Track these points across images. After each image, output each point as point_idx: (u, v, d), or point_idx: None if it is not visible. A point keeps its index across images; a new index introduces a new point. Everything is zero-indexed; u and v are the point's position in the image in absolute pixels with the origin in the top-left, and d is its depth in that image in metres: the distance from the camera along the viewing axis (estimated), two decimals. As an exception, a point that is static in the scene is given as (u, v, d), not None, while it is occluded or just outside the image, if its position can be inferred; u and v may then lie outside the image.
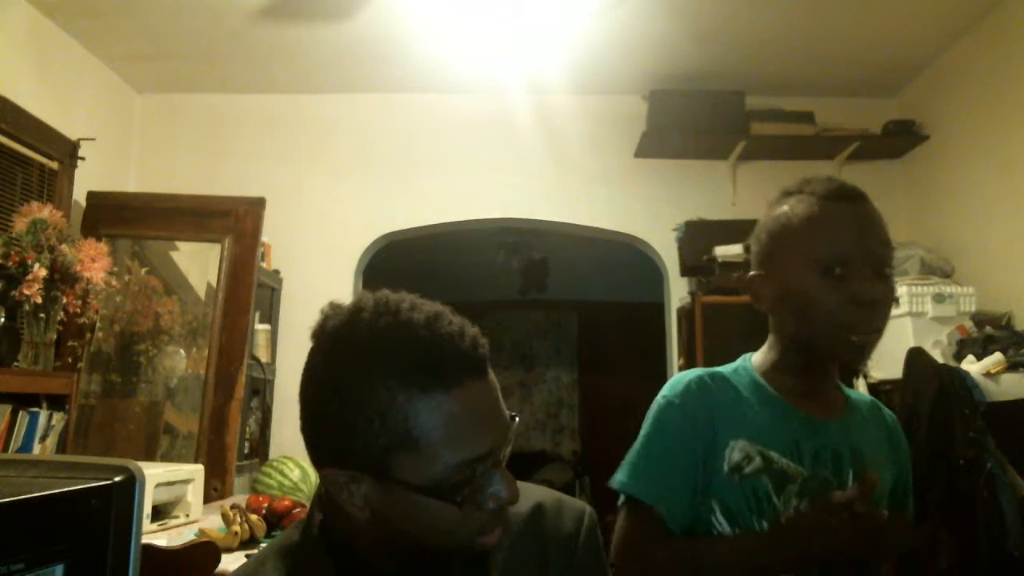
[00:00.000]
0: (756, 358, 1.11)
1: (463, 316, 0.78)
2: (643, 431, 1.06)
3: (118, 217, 2.97)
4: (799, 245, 1.01)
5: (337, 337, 0.74)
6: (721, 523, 1.00)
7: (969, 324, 2.45)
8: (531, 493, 0.89)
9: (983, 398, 2.04)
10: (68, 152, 2.87)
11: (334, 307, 0.77)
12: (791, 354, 1.06)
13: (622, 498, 1.05)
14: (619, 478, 1.04)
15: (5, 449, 2.09)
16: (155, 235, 3.01)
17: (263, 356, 3.11)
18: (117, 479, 0.61)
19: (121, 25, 2.91)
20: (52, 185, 2.81)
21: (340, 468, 0.74)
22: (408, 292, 0.78)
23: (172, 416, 2.88)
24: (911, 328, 2.43)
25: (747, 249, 1.11)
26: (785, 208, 1.05)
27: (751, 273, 1.08)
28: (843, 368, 1.06)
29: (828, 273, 0.98)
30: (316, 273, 3.34)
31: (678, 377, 1.09)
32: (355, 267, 3.42)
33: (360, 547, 0.80)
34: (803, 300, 1.00)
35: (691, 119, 3.25)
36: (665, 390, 1.08)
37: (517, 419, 0.78)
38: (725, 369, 1.10)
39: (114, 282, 2.55)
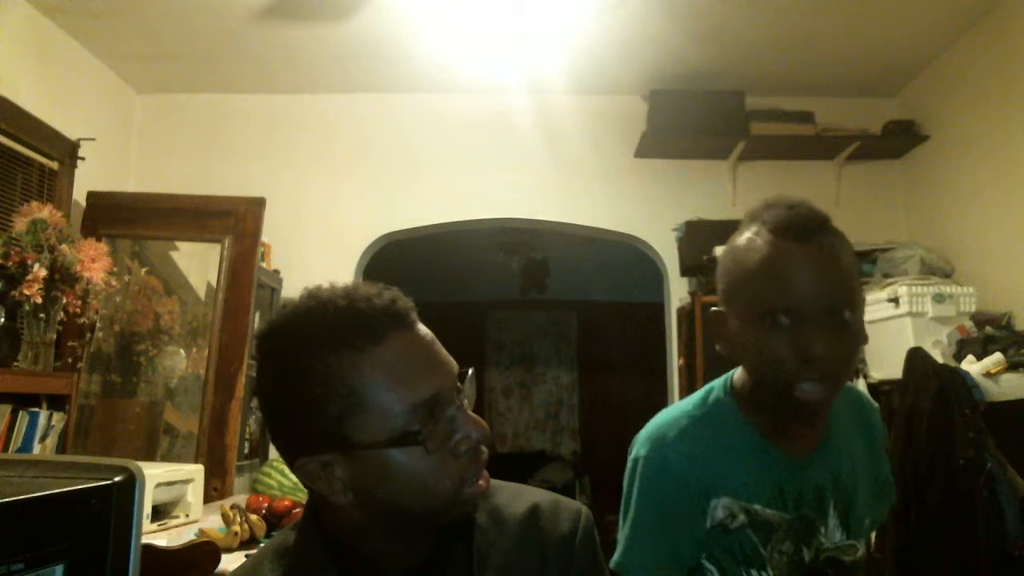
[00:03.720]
0: (737, 381, 1.04)
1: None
2: (630, 497, 1.01)
3: (118, 217, 2.97)
4: (745, 288, 0.95)
5: (269, 333, 0.79)
6: (712, 570, 0.99)
7: (969, 324, 2.45)
8: (527, 494, 0.90)
9: (983, 398, 2.04)
10: (68, 152, 2.87)
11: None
12: (758, 396, 1.00)
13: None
14: (616, 559, 1.00)
15: (5, 449, 2.09)
16: (155, 235, 3.01)
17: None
18: (117, 479, 0.61)
19: (121, 25, 2.91)
20: (52, 185, 2.81)
21: (309, 455, 0.75)
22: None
23: (172, 416, 2.88)
24: (911, 328, 2.43)
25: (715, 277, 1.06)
26: (738, 242, 0.98)
27: (712, 309, 1.03)
28: (798, 419, 0.99)
29: (773, 322, 0.91)
30: (316, 273, 3.28)
31: (653, 429, 1.02)
32: (355, 267, 3.42)
33: (355, 539, 0.80)
34: (751, 349, 0.94)
35: (691, 119, 3.25)
36: (643, 447, 1.01)
37: (471, 371, 0.81)
38: (702, 401, 1.04)
39: (114, 282, 2.54)
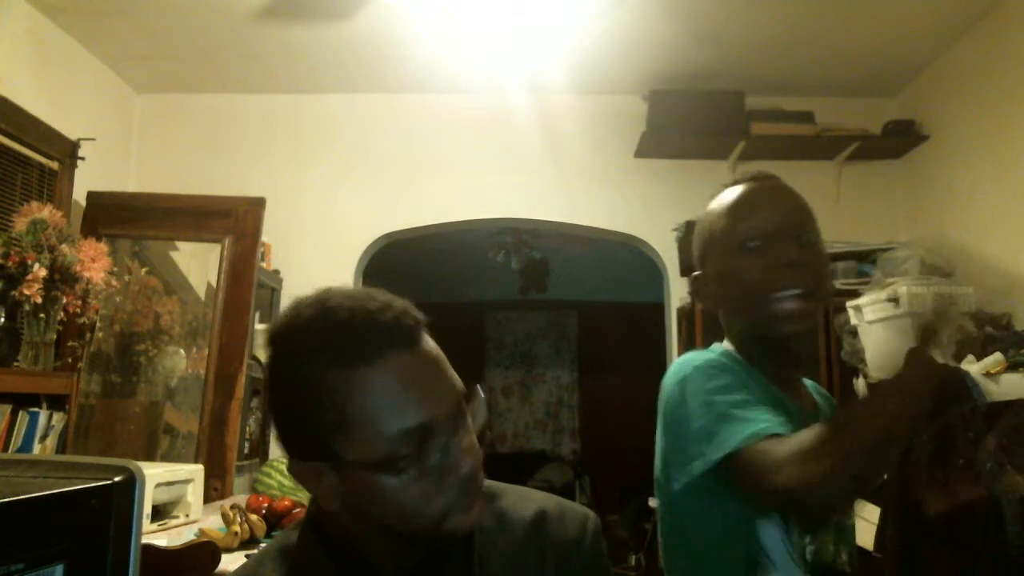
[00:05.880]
0: (730, 345, 1.11)
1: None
2: (692, 402, 0.97)
3: (118, 217, 2.97)
4: (719, 232, 1.07)
5: (275, 336, 0.78)
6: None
7: (969, 324, 2.45)
8: (534, 499, 0.89)
9: (983, 398, 2.04)
10: (68, 152, 2.87)
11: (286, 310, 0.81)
12: (750, 348, 1.07)
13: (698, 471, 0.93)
14: (706, 453, 0.92)
15: (5, 449, 2.09)
16: (155, 235, 3.01)
17: (263, 356, 3.11)
18: (117, 479, 0.61)
19: (121, 25, 2.91)
20: (52, 185, 2.81)
21: (302, 460, 0.76)
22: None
23: (172, 416, 2.87)
24: (911, 328, 2.42)
25: (692, 258, 1.18)
26: (708, 207, 1.13)
27: (694, 274, 1.14)
28: (788, 343, 1.04)
29: (747, 249, 1.03)
30: (316, 273, 3.33)
31: (696, 353, 1.06)
32: (355, 267, 3.41)
33: (352, 542, 0.80)
34: (733, 282, 1.04)
35: (691, 119, 3.25)
36: (692, 361, 1.02)
37: (481, 391, 0.79)
38: (710, 354, 1.08)
39: (114, 282, 2.54)
